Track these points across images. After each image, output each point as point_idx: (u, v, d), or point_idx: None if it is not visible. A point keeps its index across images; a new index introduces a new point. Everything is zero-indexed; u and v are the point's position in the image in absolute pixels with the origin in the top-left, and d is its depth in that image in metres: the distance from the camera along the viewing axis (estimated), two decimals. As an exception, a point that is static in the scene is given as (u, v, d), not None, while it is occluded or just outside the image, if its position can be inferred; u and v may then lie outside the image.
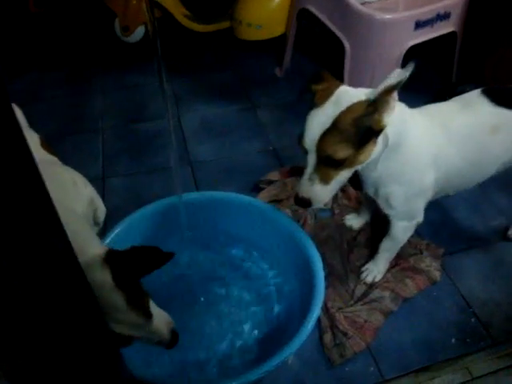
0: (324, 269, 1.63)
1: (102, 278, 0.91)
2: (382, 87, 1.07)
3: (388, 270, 1.62)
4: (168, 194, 1.58)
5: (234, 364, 1.39)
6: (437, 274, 1.62)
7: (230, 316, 1.50)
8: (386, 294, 1.56)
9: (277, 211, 1.58)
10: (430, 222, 1.78)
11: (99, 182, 2.04)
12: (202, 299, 1.53)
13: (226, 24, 2.86)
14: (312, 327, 1.21)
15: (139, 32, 2.81)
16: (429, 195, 1.37)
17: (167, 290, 1.49)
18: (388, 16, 2.01)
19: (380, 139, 1.16)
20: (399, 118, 1.17)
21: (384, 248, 1.55)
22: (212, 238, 1.65)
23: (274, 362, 1.15)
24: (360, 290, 1.59)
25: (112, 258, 0.94)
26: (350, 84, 1.20)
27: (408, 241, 1.58)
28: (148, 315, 0.99)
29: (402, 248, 1.58)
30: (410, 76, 1.05)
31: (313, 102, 1.15)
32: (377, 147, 1.17)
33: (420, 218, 1.43)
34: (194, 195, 1.67)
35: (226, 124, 2.41)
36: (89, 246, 0.95)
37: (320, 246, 1.71)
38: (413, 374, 1.40)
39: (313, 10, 2.26)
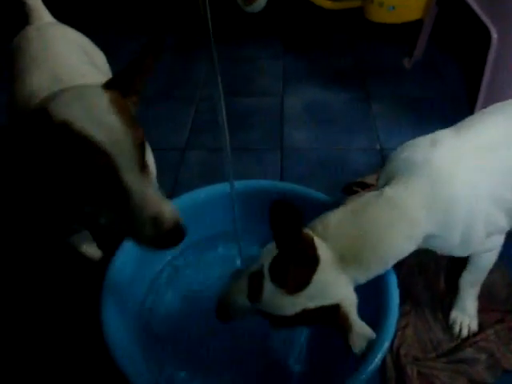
0: (407, 303, 1.33)
1: None
2: None
3: (490, 326, 1.24)
4: (247, 177, 1.45)
5: None
6: (561, 347, 1.20)
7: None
8: (482, 357, 1.18)
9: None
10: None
11: (178, 152, 1.92)
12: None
13: (357, 3, 2.53)
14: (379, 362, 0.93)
15: (261, 2, 2.60)
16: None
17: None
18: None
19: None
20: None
21: (466, 283, 1.21)
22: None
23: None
24: (448, 342, 1.24)
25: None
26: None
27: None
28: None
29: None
30: None
31: None
32: None
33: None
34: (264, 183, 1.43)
35: (332, 112, 2.12)
36: None
37: (408, 275, 1.39)
38: None
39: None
